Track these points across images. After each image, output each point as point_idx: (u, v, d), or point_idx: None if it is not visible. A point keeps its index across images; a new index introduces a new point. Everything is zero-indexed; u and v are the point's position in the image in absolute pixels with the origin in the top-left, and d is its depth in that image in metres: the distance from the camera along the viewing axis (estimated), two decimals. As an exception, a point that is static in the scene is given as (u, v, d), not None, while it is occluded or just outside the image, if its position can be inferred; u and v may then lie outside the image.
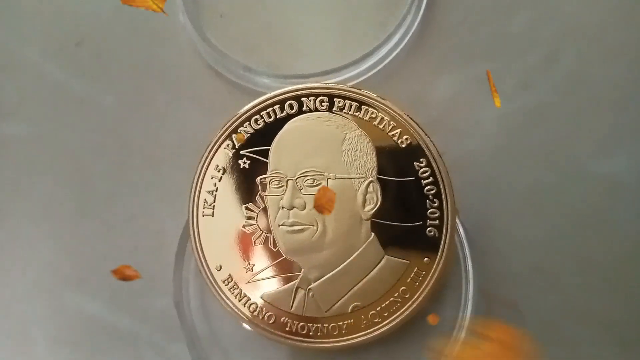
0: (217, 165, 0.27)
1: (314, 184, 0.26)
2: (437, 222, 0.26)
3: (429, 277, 0.26)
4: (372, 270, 0.26)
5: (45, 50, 0.32)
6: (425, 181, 0.26)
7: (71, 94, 0.31)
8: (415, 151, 0.26)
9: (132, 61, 0.31)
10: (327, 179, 0.26)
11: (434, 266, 0.26)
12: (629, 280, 0.28)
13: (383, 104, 0.26)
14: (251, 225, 0.26)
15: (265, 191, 0.26)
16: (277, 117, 0.27)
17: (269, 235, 0.26)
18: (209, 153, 0.27)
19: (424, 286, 0.26)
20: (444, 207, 0.26)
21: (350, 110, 0.26)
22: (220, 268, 0.27)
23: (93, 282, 0.29)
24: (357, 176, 0.26)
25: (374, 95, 0.26)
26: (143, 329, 0.29)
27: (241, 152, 0.27)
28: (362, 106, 0.26)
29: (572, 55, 0.29)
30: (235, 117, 0.27)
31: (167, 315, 0.28)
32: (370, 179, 0.26)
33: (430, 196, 0.26)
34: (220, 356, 0.28)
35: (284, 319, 0.26)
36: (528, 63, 0.29)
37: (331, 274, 0.26)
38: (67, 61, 0.31)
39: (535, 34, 0.30)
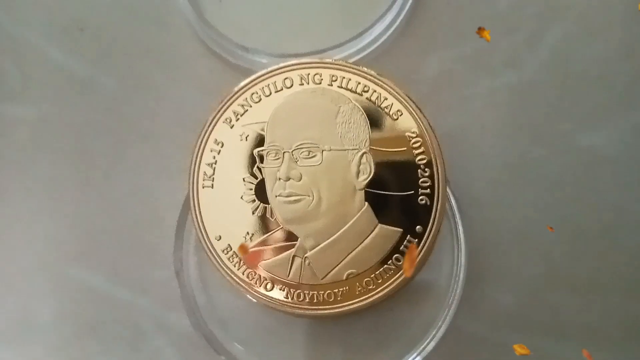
0: (216, 139, 0.28)
1: (310, 156, 0.27)
2: (428, 190, 0.27)
3: (421, 244, 0.27)
4: (366, 238, 0.27)
5: (49, 35, 0.32)
6: (416, 151, 0.27)
7: (74, 77, 0.32)
8: (407, 123, 0.27)
9: (132, 44, 0.32)
10: (322, 150, 0.27)
11: (426, 234, 0.27)
12: (613, 248, 0.29)
13: (377, 78, 0.27)
14: (249, 196, 0.27)
15: (262, 163, 0.27)
16: (274, 92, 0.28)
17: (267, 205, 0.27)
18: (209, 127, 0.28)
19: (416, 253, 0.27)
20: (435, 176, 0.27)
21: (342, 84, 0.27)
22: (220, 238, 0.27)
23: (95, 256, 0.30)
24: (350, 148, 0.27)
25: (365, 69, 0.27)
26: (144, 301, 0.30)
27: (239, 125, 0.28)
28: (355, 80, 0.27)
29: (557, 33, 0.30)
30: (234, 92, 0.28)
31: (167, 287, 0.29)
32: (364, 150, 0.27)
33: (421, 165, 0.27)
34: (220, 325, 0.29)
35: (281, 287, 0.27)
36: (515, 41, 0.30)
37: (326, 242, 0.27)
38: (70, 45, 0.32)
39: (521, 13, 0.31)
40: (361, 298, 0.27)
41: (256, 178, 0.27)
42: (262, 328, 0.29)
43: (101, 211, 0.31)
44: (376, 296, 0.27)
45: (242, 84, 0.28)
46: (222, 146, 0.28)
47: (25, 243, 0.31)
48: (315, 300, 0.27)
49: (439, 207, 0.27)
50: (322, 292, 0.27)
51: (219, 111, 0.28)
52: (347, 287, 0.27)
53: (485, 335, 0.29)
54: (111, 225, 0.30)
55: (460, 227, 0.28)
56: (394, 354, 0.28)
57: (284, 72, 0.28)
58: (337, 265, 0.27)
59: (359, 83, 0.27)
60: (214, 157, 0.28)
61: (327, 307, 0.27)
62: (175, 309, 0.29)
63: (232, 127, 0.28)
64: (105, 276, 0.30)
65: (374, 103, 0.27)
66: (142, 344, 0.30)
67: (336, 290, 0.27)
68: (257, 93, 0.28)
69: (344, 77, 0.27)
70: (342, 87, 0.27)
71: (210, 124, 0.28)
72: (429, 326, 0.28)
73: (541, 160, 0.29)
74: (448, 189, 0.27)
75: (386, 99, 0.27)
